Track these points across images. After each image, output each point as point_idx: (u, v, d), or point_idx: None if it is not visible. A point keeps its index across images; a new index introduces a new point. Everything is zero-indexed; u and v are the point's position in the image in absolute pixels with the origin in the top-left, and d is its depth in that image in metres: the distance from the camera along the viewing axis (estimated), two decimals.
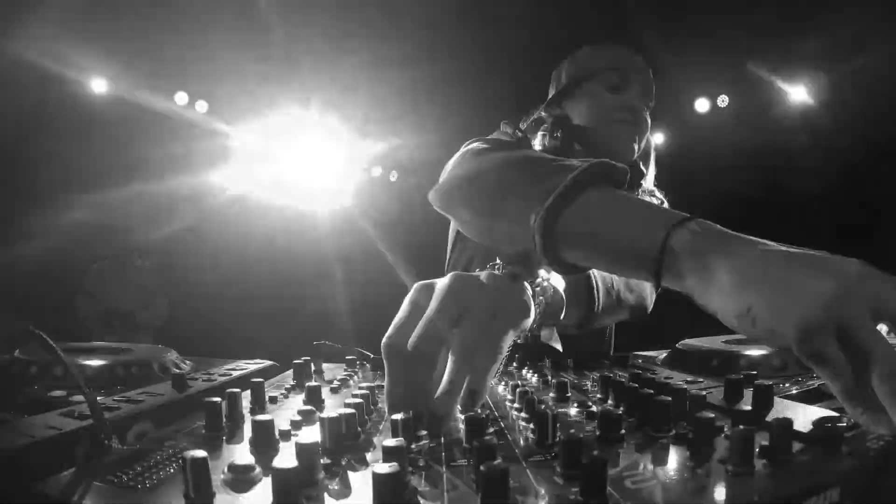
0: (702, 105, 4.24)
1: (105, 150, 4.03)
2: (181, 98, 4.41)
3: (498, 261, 0.66)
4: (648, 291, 1.02)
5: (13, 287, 3.45)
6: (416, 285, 0.56)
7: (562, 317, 0.74)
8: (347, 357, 0.84)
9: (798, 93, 3.82)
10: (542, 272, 0.66)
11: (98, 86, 4.16)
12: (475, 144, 0.98)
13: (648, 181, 1.29)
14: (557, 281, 0.71)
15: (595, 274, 0.86)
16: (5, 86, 3.47)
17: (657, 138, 4.53)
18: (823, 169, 3.53)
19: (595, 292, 0.86)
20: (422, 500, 0.34)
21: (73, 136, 3.98)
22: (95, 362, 0.72)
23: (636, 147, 1.20)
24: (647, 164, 1.29)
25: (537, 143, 1.22)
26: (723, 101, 4.17)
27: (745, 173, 3.91)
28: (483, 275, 0.57)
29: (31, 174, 3.96)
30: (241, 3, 3.77)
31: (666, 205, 1.23)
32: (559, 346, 0.74)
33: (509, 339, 0.53)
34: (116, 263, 3.95)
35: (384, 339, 0.53)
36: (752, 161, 3.88)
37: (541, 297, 0.64)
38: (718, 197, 4.05)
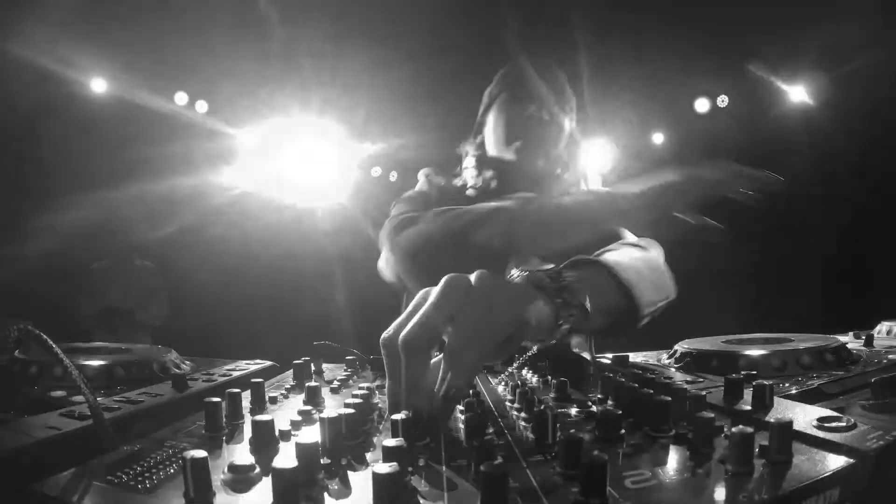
0: (702, 105, 4.24)
1: (105, 150, 4.03)
2: (181, 98, 4.42)
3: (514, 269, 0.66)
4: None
5: (13, 287, 3.45)
6: (421, 291, 0.57)
7: (590, 320, 0.74)
8: (347, 357, 0.84)
9: (798, 93, 3.83)
10: (559, 276, 0.65)
11: (98, 86, 4.16)
12: (400, 215, 1.14)
13: (590, 182, 1.36)
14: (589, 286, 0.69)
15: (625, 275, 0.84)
16: (5, 86, 3.47)
17: (657, 138, 4.54)
18: (822, 168, 3.53)
19: (631, 290, 0.82)
20: (422, 500, 0.34)
21: (73, 136, 3.98)
22: (95, 362, 0.72)
23: (542, 160, 1.25)
24: (571, 161, 1.34)
25: (468, 180, 1.31)
26: (723, 101, 4.17)
27: None
28: (482, 273, 0.57)
29: (31, 174, 3.96)
30: (241, 3, 3.77)
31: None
32: (588, 356, 0.73)
33: (501, 338, 0.53)
34: (116, 263, 3.94)
35: (382, 337, 0.54)
36: (751, 161, 3.87)
37: (558, 301, 0.63)
38: (718, 196, 4.06)
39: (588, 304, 0.68)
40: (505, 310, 0.54)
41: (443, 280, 0.55)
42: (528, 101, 1.24)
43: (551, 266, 0.68)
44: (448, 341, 0.51)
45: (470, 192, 1.30)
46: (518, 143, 1.25)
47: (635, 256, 0.95)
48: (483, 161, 1.31)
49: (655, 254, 1.08)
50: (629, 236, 1.18)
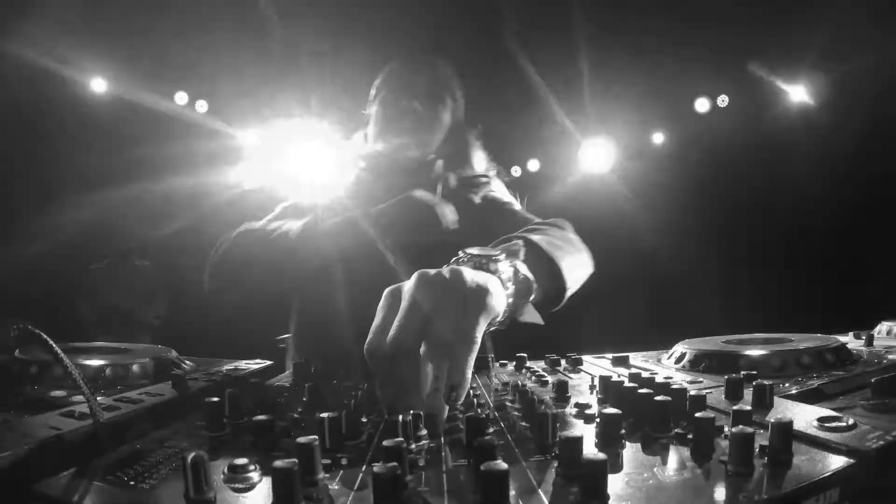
0: (702, 105, 4.24)
1: (105, 150, 4.03)
2: (181, 98, 4.41)
3: (461, 253, 0.67)
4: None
5: (13, 287, 3.45)
6: (386, 291, 0.57)
7: (532, 297, 0.76)
8: (347, 358, 0.84)
9: (798, 93, 3.83)
10: (504, 258, 0.68)
11: (98, 86, 4.16)
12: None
13: (477, 166, 1.38)
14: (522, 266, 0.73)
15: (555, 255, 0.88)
16: (5, 86, 3.47)
17: (657, 138, 4.53)
18: (822, 168, 3.53)
19: (560, 268, 0.87)
20: (422, 501, 0.34)
21: (73, 136, 3.98)
22: (95, 362, 0.72)
23: (415, 150, 1.29)
24: (464, 154, 1.37)
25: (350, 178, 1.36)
26: (723, 101, 4.17)
27: (744, 172, 3.91)
28: (447, 270, 0.58)
29: (31, 174, 3.96)
30: (241, 3, 3.77)
31: (494, 174, 1.38)
32: (540, 320, 0.75)
33: (482, 327, 0.54)
34: (116, 263, 3.94)
35: (366, 346, 0.53)
36: (751, 161, 3.87)
37: (510, 284, 0.65)
38: (718, 196, 4.06)
39: (535, 284, 0.71)
40: (477, 299, 0.56)
41: (413, 279, 0.56)
42: (401, 94, 1.29)
43: (494, 250, 0.70)
44: (435, 340, 0.52)
45: (346, 188, 1.35)
46: (391, 135, 1.29)
47: (556, 235, 0.98)
48: (362, 156, 1.36)
49: (571, 232, 1.11)
50: (534, 218, 1.23)
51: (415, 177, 1.27)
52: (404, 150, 1.29)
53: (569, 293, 0.92)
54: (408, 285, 0.56)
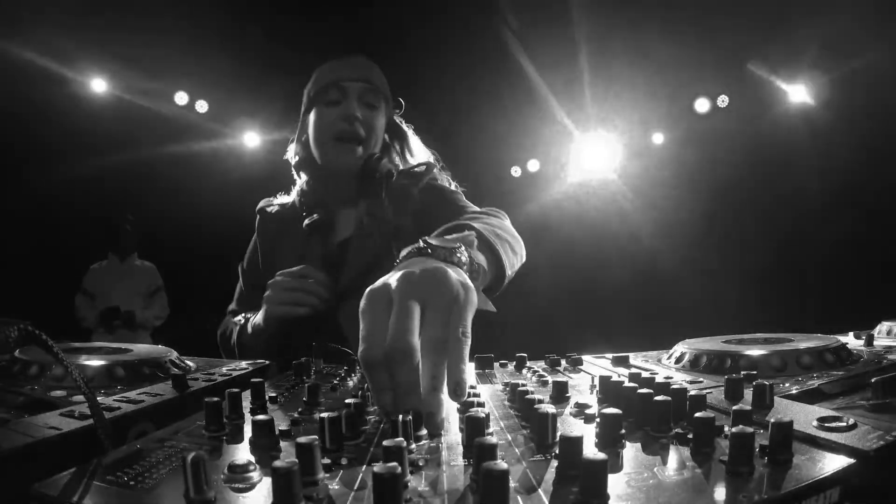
0: (702, 105, 4.24)
1: (105, 150, 4.03)
2: (181, 98, 4.42)
3: (421, 242, 0.68)
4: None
5: (13, 287, 3.45)
6: (366, 293, 0.57)
7: (482, 286, 0.77)
8: (348, 357, 0.84)
9: (798, 93, 3.83)
10: (463, 249, 0.69)
11: (98, 86, 4.16)
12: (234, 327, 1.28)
13: (417, 157, 1.40)
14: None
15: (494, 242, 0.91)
16: (5, 86, 3.47)
17: (657, 138, 4.53)
18: (822, 168, 3.53)
19: (500, 254, 0.90)
20: (422, 500, 0.34)
21: (72, 136, 3.98)
22: (95, 362, 0.72)
23: (357, 155, 1.29)
24: (403, 149, 1.40)
25: (296, 187, 1.42)
26: (723, 101, 4.17)
27: (744, 172, 3.91)
28: (429, 267, 0.59)
29: (30, 174, 3.96)
30: (241, 3, 3.77)
31: (432, 163, 1.39)
32: (492, 307, 0.76)
33: (470, 321, 0.55)
34: (116, 263, 3.94)
35: (360, 353, 0.53)
36: (751, 161, 3.87)
37: (468, 274, 0.67)
38: (718, 196, 4.06)
39: (487, 271, 0.71)
40: (466, 291, 0.57)
41: (397, 281, 0.56)
42: (334, 101, 1.29)
43: (452, 241, 0.71)
44: (429, 338, 0.52)
45: (295, 200, 1.38)
46: (332, 140, 1.29)
47: (494, 223, 1.00)
48: (302, 163, 1.38)
49: (507, 221, 1.14)
50: (472, 206, 1.26)
51: (360, 179, 1.29)
52: (347, 154, 1.28)
53: (507, 280, 0.94)
54: (394, 286, 0.56)
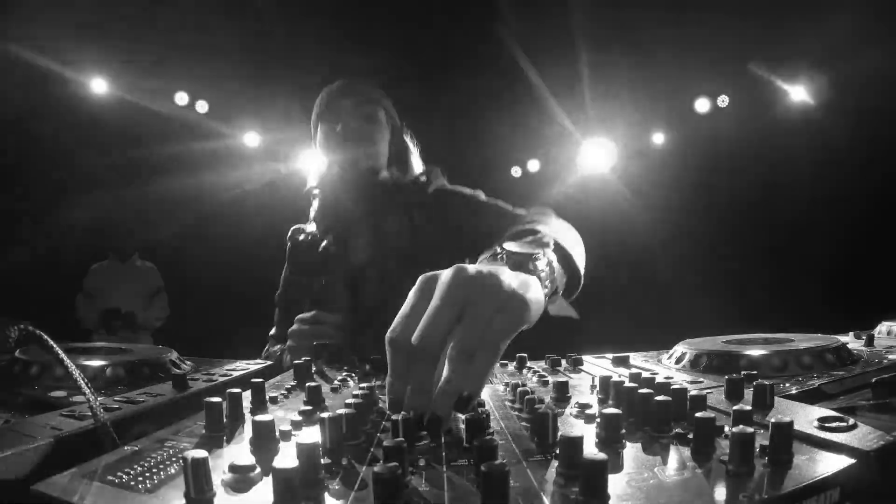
0: (702, 105, 4.24)
1: (105, 150, 4.03)
2: (181, 98, 4.41)
3: (498, 249, 0.65)
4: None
5: (13, 287, 3.44)
6: (421, 277, 0.56)
7: (560, 291, 0.75)
8: (347, 357, 0.84)
9: (798, 93, 3.82)
10: (542, 256, 0.67)
11: (98, 86, 4.16)
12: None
13: (416, 168, 1.44)
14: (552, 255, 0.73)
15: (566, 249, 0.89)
16: (5, 86, 3.47)
17: (657, 138, 4.53)
18: (823, 168, 3.52)
19: (574, 260, 0.87)
20: (422, 501, 0.34)
21: (73, 136, 3.98)
22: (95, 362, 0.72)
23: (370, 162, 1.36)
24: (407, 162, 1.44)
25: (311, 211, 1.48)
26: (723, 101, 4.17)
27: (744, 172, 3.91)
28: (486, 269, 0.56)
29: (31, 174, 3.96)
30: (241, 3, 3.77)
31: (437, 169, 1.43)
32: (574, 314, 0.74)
33: (510, 338, 0.52)
34: (116, 263, 3.94)
35: (388, 333, 0.52)
36: (751, 160, 3.87)
37: (547, 282, 0.64)
38: (718, 196, 4.06)
39: (564, 281, 0.69)
40: (512, 309, 0.53)
41: (450, 273, 0.53)
42: (332, 120, 1.36)
43: (530, 246, 0.69)
44: (460, 344, 0.49)
45: (313, 213, 1.45)
46: (339, 151, 1.36)
47: (562, 227, 0.99)
48: (321, 180, 1.45)
49: (558, 219, 1.13)
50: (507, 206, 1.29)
51: (365, 189, 1.35)
52: (355, 164, 1.34)
53: (581, 283, 0.91)
54: (444, 278, 0.53)
